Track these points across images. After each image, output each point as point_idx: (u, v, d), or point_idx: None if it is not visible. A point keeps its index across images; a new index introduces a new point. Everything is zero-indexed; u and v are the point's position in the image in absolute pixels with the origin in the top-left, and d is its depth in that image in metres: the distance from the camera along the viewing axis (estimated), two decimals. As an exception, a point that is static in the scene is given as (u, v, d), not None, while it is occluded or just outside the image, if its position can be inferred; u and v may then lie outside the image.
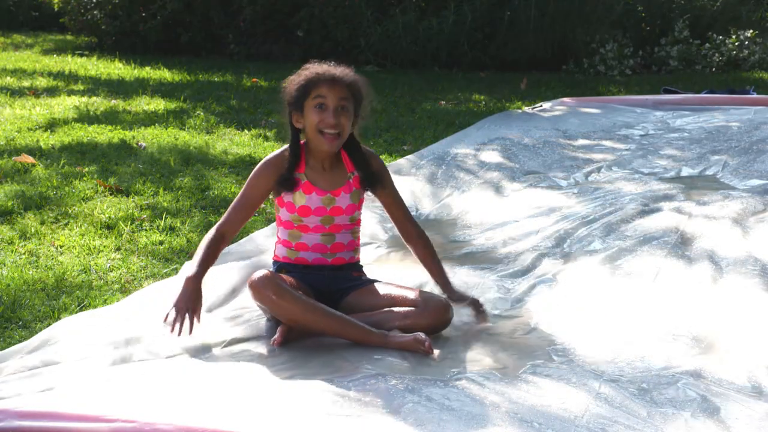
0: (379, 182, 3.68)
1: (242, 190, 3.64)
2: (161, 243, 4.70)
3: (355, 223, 3.69)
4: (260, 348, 3.37)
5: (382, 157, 6.82)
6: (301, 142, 3.64)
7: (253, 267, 4.14)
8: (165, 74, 11.28)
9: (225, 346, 3.37)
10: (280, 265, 3.65)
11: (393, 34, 12.19)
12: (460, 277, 4.15)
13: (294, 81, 3.58)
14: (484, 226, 5.06)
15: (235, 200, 3.63)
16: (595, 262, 4.36)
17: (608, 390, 3.03)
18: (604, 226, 4.87)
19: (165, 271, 4.29)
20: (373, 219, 5.02)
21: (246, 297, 3.71)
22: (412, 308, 3.47)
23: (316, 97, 3.52)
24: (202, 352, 3.31)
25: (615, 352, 3.36)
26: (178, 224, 4.99)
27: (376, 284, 3.64)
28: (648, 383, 3.09)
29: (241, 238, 4.64)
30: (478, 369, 3.21)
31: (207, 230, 4.89)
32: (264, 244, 4.55)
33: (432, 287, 3.80)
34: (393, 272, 4.12)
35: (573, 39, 12.33)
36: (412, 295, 3.53)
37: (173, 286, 3.93)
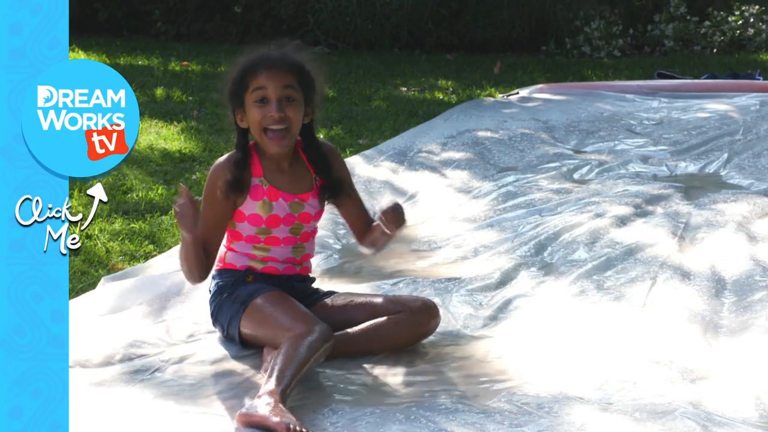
0: (343, 191, 3.65)
1: (202, 210, 3.55)
2: (76, 254, 4.67)
3: (316, 229, 3.71)
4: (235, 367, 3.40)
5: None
6: (251, 143, 3.60)
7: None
8: (80, 57, 11.22)
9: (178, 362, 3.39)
10: (244, 273, 3.62)
11: (346, 10, 12.19)
12: (424, 291, 4.16)
13: (231, 72, 3.55)
14: (453, 231, 5.07)
15: (199, 224, 3.52)
16: (579, 274, 4.38)
17: (596, 420, 3.05)
18: (591, 231, 4.89)
19: (80, 286, 4.27)
20: (321, 225, 5.02)
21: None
22: (399, 314, 3.53)
23: (256, 89, 3.47)
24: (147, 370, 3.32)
25: (602, 377, 3.38)
26: (96, 232, 4.96)
27: (343, 296, 3.67)
28: (641, 412, 3.11)
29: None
30: (446, 398, 3.23)
31: (130, 239, 4.89)
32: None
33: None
34: (347, 288, 4.13)
35: (553, 15, 12.38)
36: (393, 301, 3.59)
37: (91, 302, 3.95)
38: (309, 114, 3.59)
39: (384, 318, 3.53)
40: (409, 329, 3.55)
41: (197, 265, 3.48)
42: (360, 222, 3.71)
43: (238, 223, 3.58)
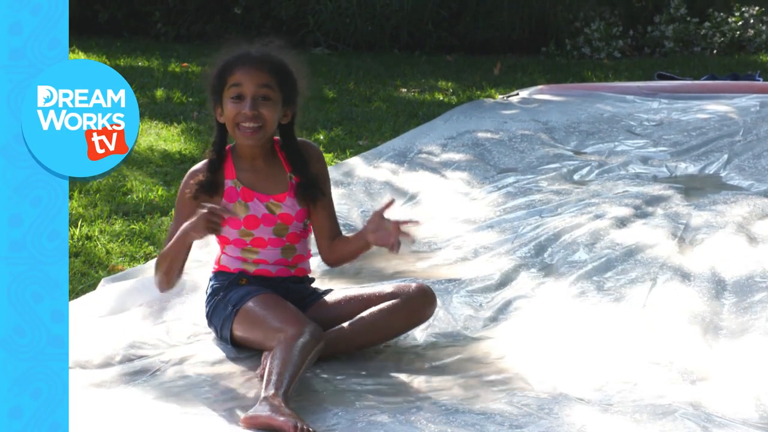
0: (318, 190, 3.59)
1: (174, 213, 3.56)
2: (76, 255, 4.67)
3: (309, 228, 3.68)
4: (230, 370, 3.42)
5: (333, 155, 6.81)
6: (228, 146, 3.61)
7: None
8: (80, 58, 11.22)
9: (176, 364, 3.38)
10: (237, 276, 3.62)
11: (346, 11, 12.19)
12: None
13: (211, 68, 3.55)
14: (453, 232, 5.07)
15: (171, 226, 3.55)
16: (579, 275, 4.38)
17: (596, 421, 3.05)
18: (591, 233, 4.89)
19: (80, 287, 4.27)
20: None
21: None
22: (395, 301, 3.52)
23: (232, 86, 3.47)
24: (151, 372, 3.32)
25: (602, 378, 3.38)
26: (96, 233, 4.96)
27: (338, 292, 3.67)
28: (641, 413, 3.11)
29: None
30: (446, 398, 3.22)
31: (130, 240, 4.89)
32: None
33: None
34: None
35: (553, 16, 12.38)
36: (387, 289, 3.57)
37: (91, 303, 3.96)
38: (288, 114, 3.56)
39: (379, 306, 3.52)
40: (405, 315, 3.53)
41: (179, 272, 3.46)
42: (328, 232, 3.62)
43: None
